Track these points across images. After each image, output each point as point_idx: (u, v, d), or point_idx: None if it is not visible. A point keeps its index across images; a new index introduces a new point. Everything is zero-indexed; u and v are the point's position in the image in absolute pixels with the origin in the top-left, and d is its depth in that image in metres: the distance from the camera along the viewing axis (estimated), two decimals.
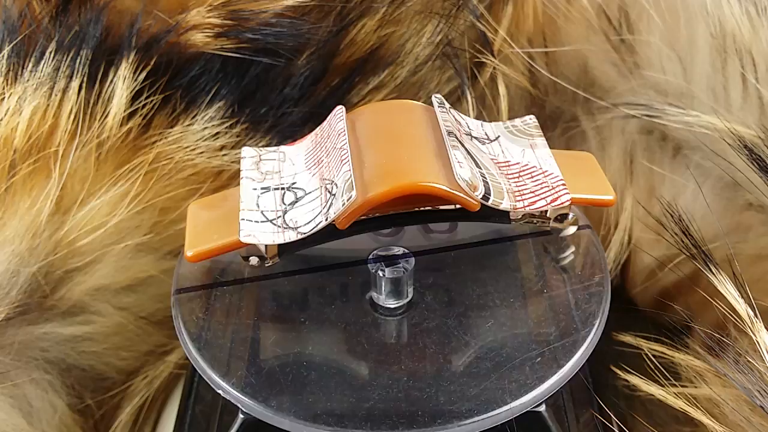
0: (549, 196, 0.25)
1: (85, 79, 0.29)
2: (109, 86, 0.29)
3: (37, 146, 0.28)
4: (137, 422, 0.32)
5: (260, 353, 0.24)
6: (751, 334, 0.25)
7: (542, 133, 0.27)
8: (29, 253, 0.28)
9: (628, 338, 0.29)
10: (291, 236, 0.24)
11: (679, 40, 0.30)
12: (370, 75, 0.32)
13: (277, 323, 0.25)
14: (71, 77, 0.28)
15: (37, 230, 0.28)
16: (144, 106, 0.29)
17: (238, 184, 0.26)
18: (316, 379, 0.23)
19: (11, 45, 0.28)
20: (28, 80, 0.28)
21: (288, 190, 0.25)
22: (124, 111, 0.29)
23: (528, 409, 0.22)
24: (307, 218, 0.24)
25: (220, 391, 0.23)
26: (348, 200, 0.23)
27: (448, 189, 0.23)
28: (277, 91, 0.31)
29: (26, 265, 0.28)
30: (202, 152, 0.30)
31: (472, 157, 0.25)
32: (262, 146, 0.28)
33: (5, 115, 0.28)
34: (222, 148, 0.31)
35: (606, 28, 0.32)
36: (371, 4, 0.31)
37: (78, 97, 0.29)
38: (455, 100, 0.34)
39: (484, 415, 0.22)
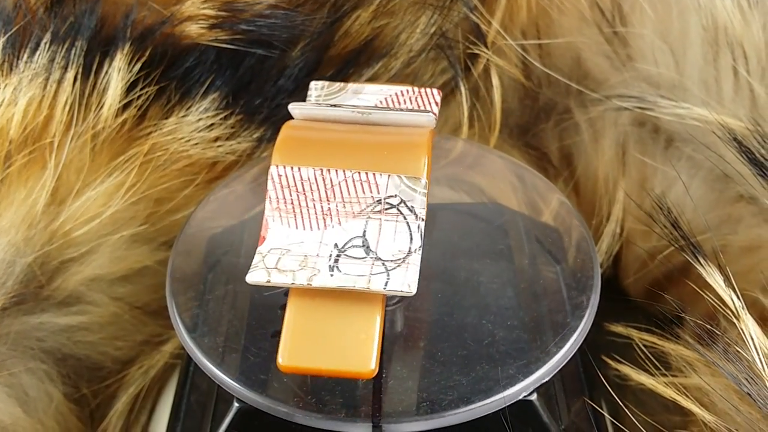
0: (431, 97, 0.26)
1: (80, 70, 0.29)
2: (104, 77, 0.29)
3: (32, 137, 0.28)
4: (133, 411, 0.32)
5: (255, 342, 0.24)
6: (738, 324, 0.25)
7: (345, 82, 0.27)
8: (25, 243, 0.28)
9: (619, 328, 0.30)
10: (416, 259, 0.22)
11: (671, 32, 0.31)
12: (364, 66, 0.32)
13: (272, 313, 0.25)
14: (66, 68, 0.29)
15: (32, 221, 0.28)
16: (139, 97, 0.29)
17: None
18: None
19: (6, 36, 0.28)
20: (23, 71, 0.28)
21: (346, 249, 0.23)
22: (119, 102, 0.29)
23: (520, 397, 0.23)
24: (404, 239, 0.23)
25: None
26: (424, 188, 0.23)
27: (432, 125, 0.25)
28: (272, 83, 0.31)
29: (22, 256, 0.28)
30: (196, 143, 0.30)
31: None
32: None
33: (0, 105, 0.28)
34: (217, 139, 0.31)
35: (599, 20, 0.32)
36: None
37: (73, 88, 0.29)
38: (449, 92, 0.34)
39: (476, 404, 0.22)
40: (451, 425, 0.22)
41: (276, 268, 0.22)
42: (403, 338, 0.24)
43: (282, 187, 0.23)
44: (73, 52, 0.29)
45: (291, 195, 0.23)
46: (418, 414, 0.22)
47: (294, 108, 0.25)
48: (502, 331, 0.24)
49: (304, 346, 0.21)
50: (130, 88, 0.29)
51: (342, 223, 0.23)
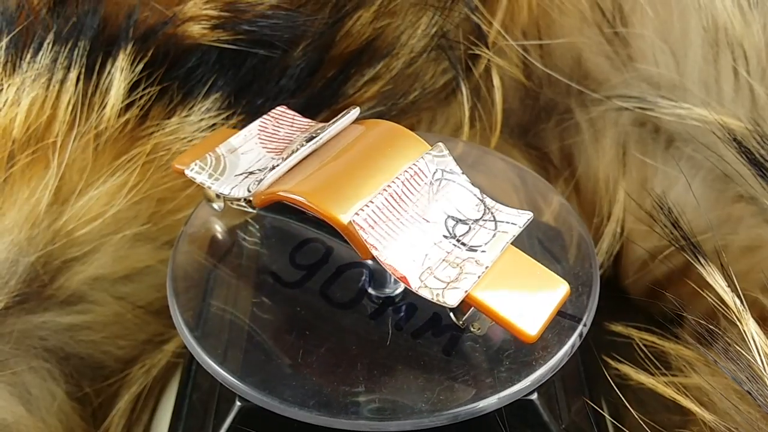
0: (285, 113, 0.27)
1: (82, 70, 0.29)
2: (106, 77, 0.29)
3: (35, 137, 0.28)
4: (135, 410, 0.32)
5: (257, 341, 0.24)
6: (739, 324, 0.25)
7: (212, 152, 0.27)
8: (28, 242, 0.29)
9: (619, 328, 0.30)
10: (491, 200, 0.24)
11: (671, 33, 0.31)
12: (365, 67, 0.32)
13: (274, 312, 0.25)
14: (69, 68, 0.29)
15: (35, 220, 0.29)
16: (141, 97, 0.30)
17: None
18: (312, 367, 0.23)
19: (9, 36, 0.28)
20: (26, 71, 0.28)
21: (455, 231, 0.24)
22: (122, 102, 0.29)
23: (520, 397, 0.23)
24: (468, 197, 0.24)
25: None
26: (445, 149, 0.25)
27: None
28: (274, 83, 0.31)
29: (25, 255, 0.29)
30: None
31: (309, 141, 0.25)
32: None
33: (3, 105, 0.28)
34: None
35: (600, 20, 0.32)
36: None
37: (76, 88, 0.29)
38: (450, 93, 0.34)
39: (476, 404, 0.22)
40: (451, 424, 0.22)
41: (448, 283, 0.22)
42: (404, 337, 0.24)
43: (372, 227, 0.23)
44: (75, 52, 0.29)
45: (383, 229, 0.23)
46: (419, 413, 0.22)
47: (266, 180, 0.24)
48: (503, 329, 0.24)
49: (525, 312, 0.22)
50: (133, 88, 0.29)
51: (428, 220, 0.24)
